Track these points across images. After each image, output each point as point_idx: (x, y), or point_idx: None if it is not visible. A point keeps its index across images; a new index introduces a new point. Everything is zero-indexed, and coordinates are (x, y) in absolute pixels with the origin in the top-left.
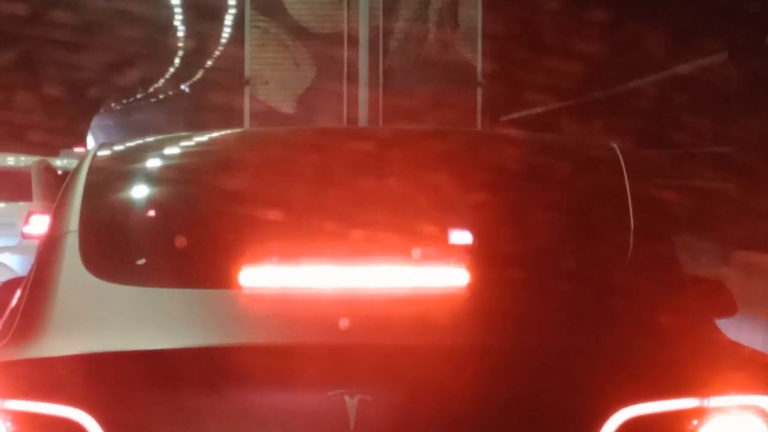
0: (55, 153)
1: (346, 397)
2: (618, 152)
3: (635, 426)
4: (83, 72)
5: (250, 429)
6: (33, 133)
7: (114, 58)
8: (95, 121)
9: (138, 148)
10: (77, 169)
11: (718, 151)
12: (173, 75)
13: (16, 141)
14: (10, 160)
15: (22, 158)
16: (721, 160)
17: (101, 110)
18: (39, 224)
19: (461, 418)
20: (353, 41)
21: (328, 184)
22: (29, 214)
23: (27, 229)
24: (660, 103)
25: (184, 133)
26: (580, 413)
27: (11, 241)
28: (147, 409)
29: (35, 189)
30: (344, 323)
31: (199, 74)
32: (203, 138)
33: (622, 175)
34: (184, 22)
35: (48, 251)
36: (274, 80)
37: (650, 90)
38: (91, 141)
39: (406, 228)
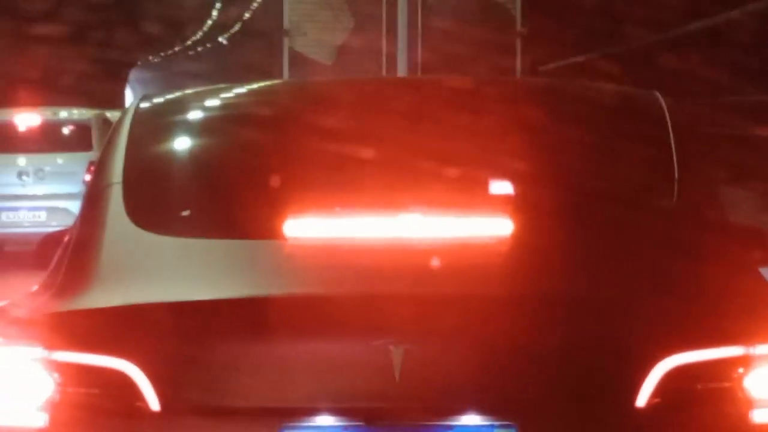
0: None
1: (391, 347)
2: (661, 101)
3: (681, 374)
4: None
5: (295, 379)
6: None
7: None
8: (133, 74)
9: (180, 99)
10: (120, 121)
11: (760, 99)
12: (211, 27)
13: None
14: (72, 114)
15: (83, 111)
16: (764, 109)
17: (138, 63)
18: None
19: (506, 367)
20: None
21: (370, 135)
22: (90, 163)
23: (88, 178)
24: (698, 54)
25: (224, 85)
26: (626, 362)
27: (75, 188)
28: (192, 360)
29: (95, 140)
30: None
31: (237, 26)
32: (244, 89)
33: (666, 123)
34: None
35: (92, 203)
36: (313, 31)
37: (690, 39)
38: (129, 94)
39: (450, 177)
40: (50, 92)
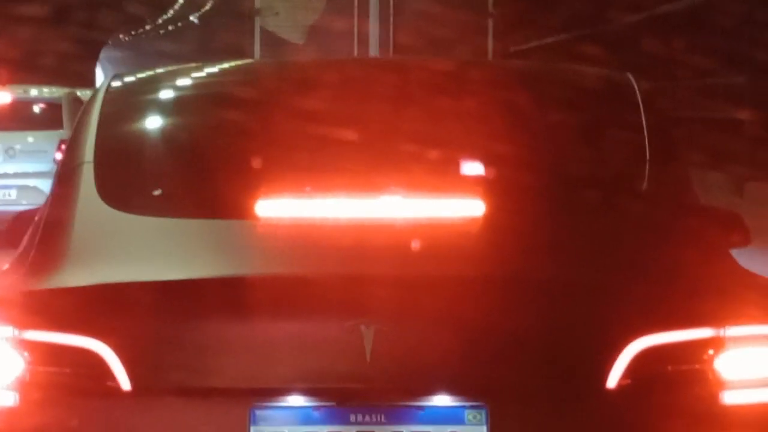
0: None
1: (362, 327)
2: (634, 83)
3: (651, 356)
4: None
5: (266, 359)
6: None
7: None
8: (103, 53)
9: (151, 79)
10: (91, 101)
11: (731, 81)
12: (182, 6)
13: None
14: (43, 92)
15: (53, 89)
16: (734, 91)
17: (109, 42)
18: None
19: (477, 348)
20: None
21: (344, 115)
22: (61, 142)
23: (59, 156)
24: (669, 37)
25: (197, 64)
26: (596, 344)
27: (45, 167)
28: (164, 339)
29: (65, 118)
30: None
31: (209, 5)
32: (216, 69)
33: (638, 105)
34: None
35: (64, 182)
36: (285, 11)
37: (669, 21)
38: (99, 73)
39: (422, 159)
40: (23, 71)
